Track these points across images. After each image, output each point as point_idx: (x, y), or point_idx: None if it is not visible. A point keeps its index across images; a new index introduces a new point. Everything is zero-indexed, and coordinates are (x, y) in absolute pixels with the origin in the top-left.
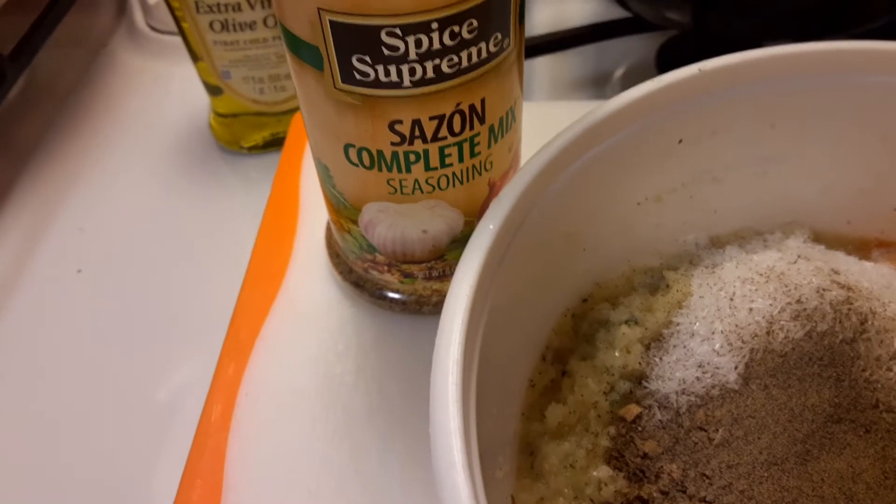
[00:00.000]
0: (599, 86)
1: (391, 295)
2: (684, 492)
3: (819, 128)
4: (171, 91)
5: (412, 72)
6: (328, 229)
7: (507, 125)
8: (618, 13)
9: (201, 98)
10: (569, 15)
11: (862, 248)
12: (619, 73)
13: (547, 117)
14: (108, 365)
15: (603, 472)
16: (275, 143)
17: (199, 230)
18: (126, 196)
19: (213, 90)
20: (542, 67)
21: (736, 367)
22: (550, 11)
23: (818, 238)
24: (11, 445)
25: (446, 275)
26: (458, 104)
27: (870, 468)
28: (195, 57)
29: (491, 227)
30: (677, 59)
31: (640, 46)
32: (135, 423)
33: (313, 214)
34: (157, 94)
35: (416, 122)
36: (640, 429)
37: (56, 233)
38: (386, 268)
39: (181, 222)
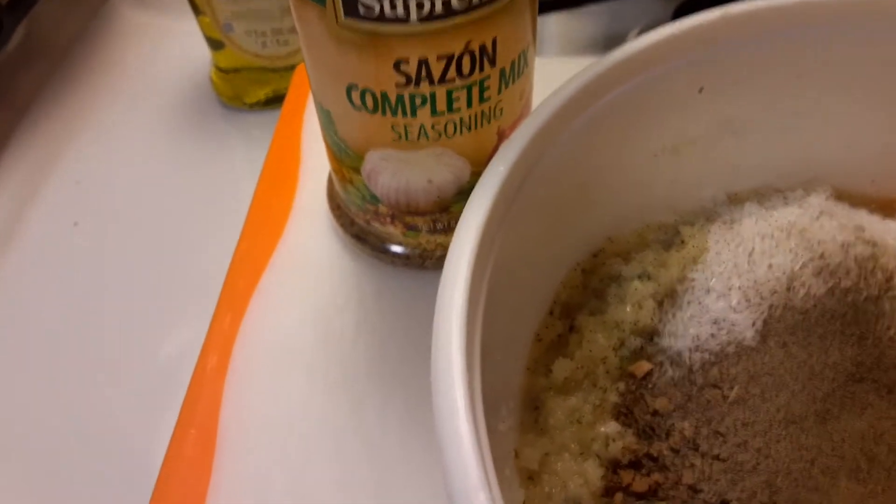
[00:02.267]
0: (613, 46)
1: (394, 249)
2: (696, 449)
3: (847, 81)
4: (173, 46)
5: (420, 6)
6: (330, 181)
7: (518, 70)
8: None
9: (203, 54)
10: None
11: (886, 207)
12: (633, 33)
13: (559, 73)
14: (105, 318)
15: (611, 427)
16: (277, 101)
17: (199, 186)
18: (124, 150)
19: (215, 44)
20: (554, 25)
21: (753, 324)
22: None
23: (840, 197)
24: (8, 398)
25: (451, 228)
26: (467, 43)
27: (892, 429)
28: (197, 10)
29: (501, 168)
30: None
31: (657, 6)
32: (132, 375)
33: (315, 167)
34: (159, 49)
35: (423, 62)
36: (650, 386)
37: (53, 186)
38: (389, 220)
39: (180, 178)
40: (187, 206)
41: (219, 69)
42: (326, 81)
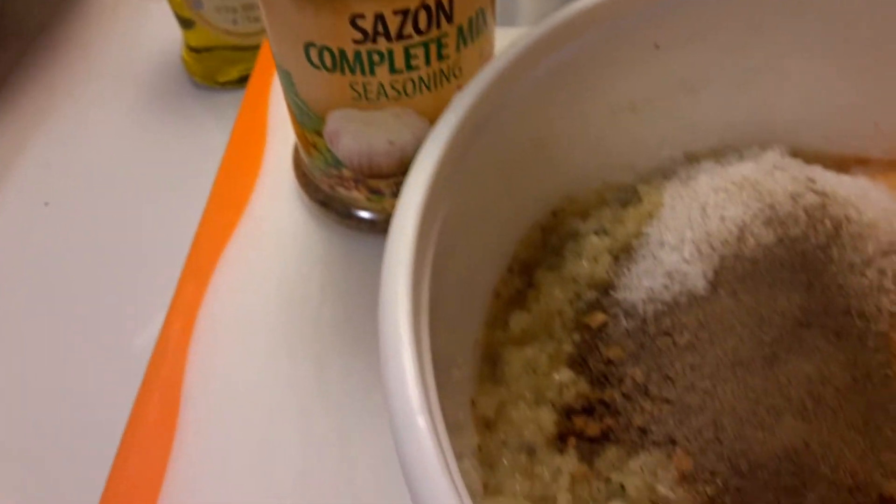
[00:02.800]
0: None
1: (359, 213)
2: (646, 394)
3: (803, 37)
4: (145, 26)
5: None
6: (295, 150)
7: (476, 28)
8: None
9: (175, 34)
10: None
11: (841, 164)
12: None
13: None
14: (76, 296)
15: (565, 375)
16: (249, 79)
17: (171, 164)
18: (96, 131)
19: (186, 23)
20: None
21: (704, 275)
22: None
23: (796, 154)
24: None
25: None
26: None
27: (839, 373)
28: None
29: (452, 119)
30: None
31: None
32: (103, 352)
33: (281, 138)
34: (131, 29)
35: (380, 17)
36: (605, 336)
37: (24, 166)
38: (353, 184)
39: (152, 157)
40: (159, 183)
41: (190, 48)
42: (285, 41)
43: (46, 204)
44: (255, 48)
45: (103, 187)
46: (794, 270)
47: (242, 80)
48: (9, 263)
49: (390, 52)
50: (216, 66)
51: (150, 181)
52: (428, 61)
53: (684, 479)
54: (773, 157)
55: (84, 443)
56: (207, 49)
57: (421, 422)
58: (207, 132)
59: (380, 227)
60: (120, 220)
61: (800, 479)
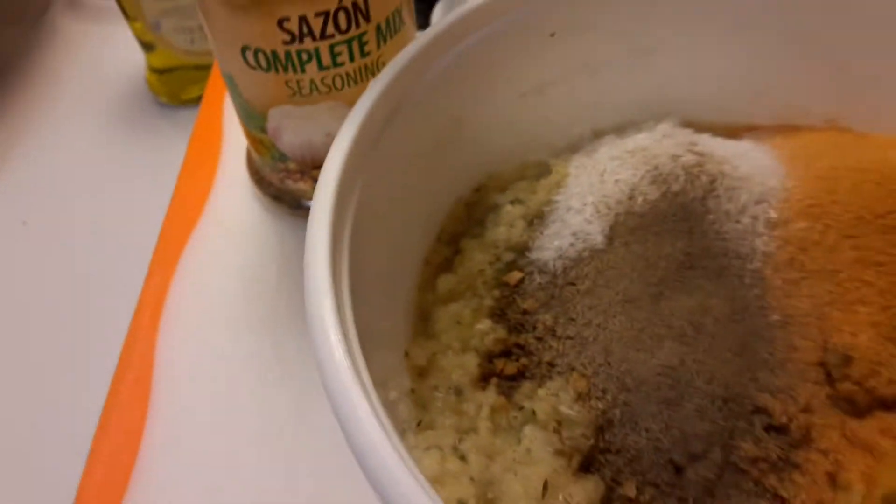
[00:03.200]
0: None
1: (307, 204)
2: (554, 334)
3: (688, 17)
4: (109, 53)
5: None
6: (248, 151)
7: (394, 26)
8: None
9: (139, 57)
10: None
11: (732, 133)
12: None
13: None
14: (57, 306)
15: (486, 324)
16: None
17: (140, 177)
18: (68, 151)
19: (147, 46)
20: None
21: (602, 231)
22: None
23: (690, 125)
24: None
25: None
26: (341, 0)
27: (719, 305)
28: (128, 16)
29: (366, 102)
30: None
31: None
32: (84, 362)
33: (235, 142)
34: (96, 56)
35: (303, 19)
36: (521, 291)
37: (1, 187)
38: (299, 175)
39: (121, 171)
40: (130, 195)
41: (153, 70)
42: (225, 47)
43: (24, 223)
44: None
45: (78, 204)
46: (677, 220)
47: (202, 99)
48: None
49: (317, 51)
50: (179, 86)
51: (120, 193)
52: (352, 58)
53: (580, 397)
54: (664, 127)
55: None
56: (169, 70)
57: (333, 337)
58: (173, 146)
59: None
60: (95, 233)
61: (677, 391)
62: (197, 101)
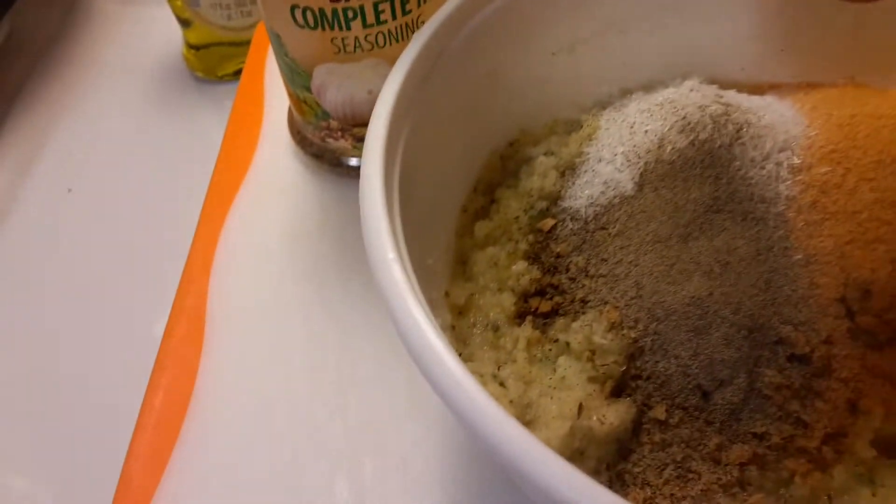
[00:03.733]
0: None
1: (347, 161)
2: (587, 274)
3: None
4: (147, 30)
5: None
6: (289, 112)
7: None
8: None
9: (177, 34)
10: None
11: (756, 91)
12: None
13: None
14: (102, 272)
15: (521, 266)
16: None
17: (179, 148)
18: (110, 123)
19: (185, 23)
20: None
21: (633, 179)
22: None
23: (714, 82)
24: (8, 359)
25: None
26: None
27: (744, 246)
28: None
29: (411, 52)
30: None
31: None
32: (129, 334)
33: (276, 105)
34: (134, 34)
35: None
36: (554, 237)
37: (47, 158)
38: (340, 133)
39: (161, 143)
40: (168, 163)
41: (190, 46)
42: (273, 5)
43: (70, 190)
44: (248, 43)
45: (121, 174)
46: (705, 167)
47: (238, 74)
48: (37, 244)
49: (362, 8)
50: (215, 62)
51: (158, 162)
52: (394, 15)
53: (612, 327)
54: (690, 83)
55: (118, 379)
56: (206, 46)
57: (391, 255)
58: (209, 119)
59: None
60: (137, 202)
61: (705, 320)
62: (233, 76)
